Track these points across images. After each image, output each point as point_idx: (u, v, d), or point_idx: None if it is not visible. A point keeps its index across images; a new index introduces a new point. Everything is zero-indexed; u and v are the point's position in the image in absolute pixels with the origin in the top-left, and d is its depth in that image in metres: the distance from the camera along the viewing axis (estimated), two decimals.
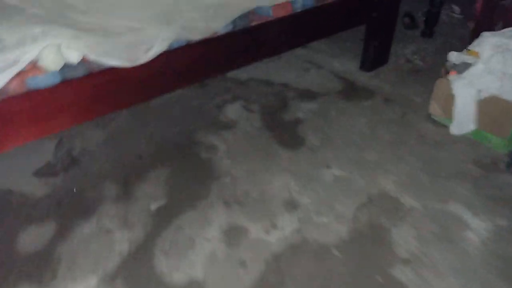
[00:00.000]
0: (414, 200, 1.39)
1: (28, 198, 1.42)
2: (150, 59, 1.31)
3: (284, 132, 1.75)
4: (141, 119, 1.80)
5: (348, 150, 1.64)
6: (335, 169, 1.54)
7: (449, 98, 1.65)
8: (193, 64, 1.46)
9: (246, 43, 1.57)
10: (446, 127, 1.72)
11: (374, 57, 2.13)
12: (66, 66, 1.18)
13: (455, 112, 1.64)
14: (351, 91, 2.03)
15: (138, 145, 1.67)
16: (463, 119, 1.63)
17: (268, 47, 1.66)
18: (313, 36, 1.84)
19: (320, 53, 2.39)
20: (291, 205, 1.38)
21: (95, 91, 1.27)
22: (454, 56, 1.73)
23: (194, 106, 1.92)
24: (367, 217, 1.34)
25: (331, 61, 2.31)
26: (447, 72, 1.70)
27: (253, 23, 1.55)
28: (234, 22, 1.49)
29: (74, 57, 1.18)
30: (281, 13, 1.61)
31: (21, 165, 1.53)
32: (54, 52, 1.15)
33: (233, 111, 1.90)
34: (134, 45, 1.31)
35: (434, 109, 1.76)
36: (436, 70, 2.15)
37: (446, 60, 1.75)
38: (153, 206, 1.38)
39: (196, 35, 1.43)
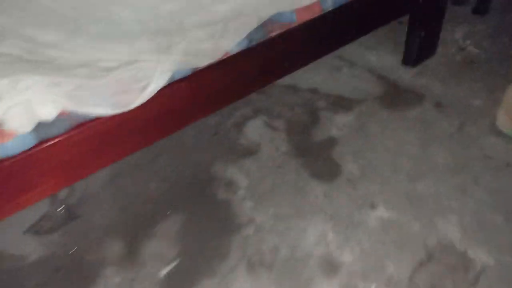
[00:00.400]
0: (487, 254, 1.10)
1: (21, 263, 1.23)
2: (147, 99, 1.06)
3: (316, 157, 1.47)
4: (150, 151, 1.56)
5: (396, 180, 1.34)
6: (381, 209, 1.26)
7: None
8: (201, 96, 1.19)
9: (266, 59, 1.28)
10: None
11: (420, 49, 1.77)
12: (41, 125, 0.94)
13: None
14: (393, 96, 1.70)
15: (147, 185, 1.44)
16: None
17: (294, 59, 1.36)
18: (348, 37, 1.51)
19: (351, 44, 2.04)
20: (330, 266, 1.13)
21: (81, 147, 1.03)
22: None
23: (209, 127, 1.66)
24: (428, 281, 1.06)
25: (366, 54, 1.97)
26: None
27: (273, 34, 1.25)
28: (249, 36, 1.19)
29: (48, 113, 0.94)
30: (307, 16, 1.29)
31: (11, 221, 1.34)
32: (23, 111, 0.91)
33: (254, 130, 1.63)
34: (126, 84, 1.06)
35: (503, 120, 1.42)
36: (497, 59, 1.78)
37: None
38: (163, 271, 1.16)
39: (203, 60, 1.15)
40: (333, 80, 1.84)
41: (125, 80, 1.05)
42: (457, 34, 2.01)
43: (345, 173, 1.39)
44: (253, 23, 1.21)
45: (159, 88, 1.07)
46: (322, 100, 1.73)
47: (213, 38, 1.16)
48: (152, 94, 1.06)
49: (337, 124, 1.60)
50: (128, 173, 1.49)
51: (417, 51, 1.77)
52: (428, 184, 1.31)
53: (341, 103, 1.70)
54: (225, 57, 1.17)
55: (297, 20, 1.26)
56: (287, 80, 1.83)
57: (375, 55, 1.96)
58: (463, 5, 2.22)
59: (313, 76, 1.87)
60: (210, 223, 1.28)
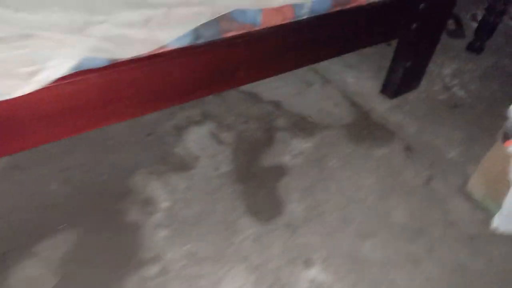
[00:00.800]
0: None
1: None
2: (38, 89, 0.80)
3: (259, 186, 1.25)
4: (64, 144, 1.28)
5: (342, 234, 1.13)
6: (316, 269, 1.04)
7: (501, 179, 1.12)
8: (117, 97, 0.93)
9: (215, 63, 1.03)
10: (487, 211, 1.20)
11: (402, 80, 1.56)
12: None
13: (507, 203, 1.12)
14: (362, 127, 1.49)
15: (47, 186, 1.18)
16: None
17: (251, 69, 1.12)
18: (324, 54, 1.28)
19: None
20: None
21: None
22: None
23: (144, 125, 1.40)
24: None
25: (343, 73, 1.75)
26: (507, 139, 1.15)
27: (229, 34, 1.00)
28: (196, 31, 0.95)
29: None
30: (276, 20, 1.05)
31: None
32: None
33: (197, 139, 1.38)
34: (10, 66, 0.79)
35: (477, 185, 1.23)
36: (482, 107, 1.60)
37: (506, 118, 1.19)
38: None
39: (127, 51, 0.89)
40: (300, 96, 1.61)
41: (9, 60, 0.79)
42: (446, 70, 1.82)
43: (286, 213, 1.17)
44: (204, 16, 0.95)
45: (55, 78, 0.81)
46: (283, 118, 1.50)
47: (147, 25, 0.91)
48: (44, 83, 0.81)
49: (293, 150, 1.37)
50: (29, 166, 1.22)
51: (399, 82, 1.56)
52: (377, 245, 1.11)
53: (303, 126, 1.47)
54: (159, 52, 0.92)
55: (262, 23, 1.01)
56: (249, 85, 1.59)
57: (353, 76, 1.74)
58: (459, 38, 2.04)
59: (280, 86, 1.63)
60: (107, 251, 1.04)
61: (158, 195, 1.19)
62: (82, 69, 0.84)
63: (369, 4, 1.16)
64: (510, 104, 1.12)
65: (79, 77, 0.85)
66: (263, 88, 1.61)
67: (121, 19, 0.87)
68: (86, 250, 1.04)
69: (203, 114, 1.48)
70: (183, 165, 1.29)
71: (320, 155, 1.36)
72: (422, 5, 1.27)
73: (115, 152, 1.31)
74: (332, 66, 1.76)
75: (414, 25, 1.34)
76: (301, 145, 1.39)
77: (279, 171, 1.30)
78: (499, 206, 1.14)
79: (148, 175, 1.24)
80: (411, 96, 1.65)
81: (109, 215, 1.12)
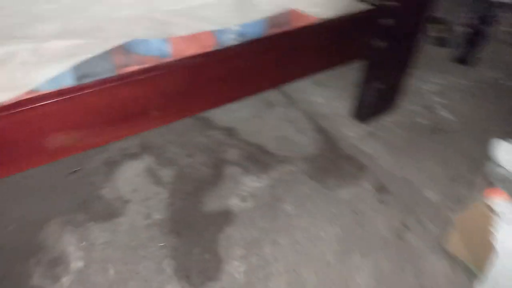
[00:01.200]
0: None
1: None
2: None
3: (196, 240, 1.04)
4: None
5: None
6: None
7: (482, 239, 0.91)
8: None
9: (113, 107, 0.81)
10: (466, 272, 0.99)
11: (375, 103, 1.35)
12: None
13: (492, 270, 0.91)
14: (329, 160, 1.28)
15: None
16: (504, 284, 0.90)
17: (165, 109, 0.90)
18: (264, 84, 1.07)
19: None
20: None
21: None
22: (503, 150, 0.97)
23: (69, 160, 1.19)
24: None
25: (312, 92, 1.53)
26: (487, 186, 0.94)
27: (126, 70, 0.79)
28: (78, 69, 0.73)
29: None
30: (191, 50, 0.84)
31: None
32: None
33: (130, 177, 1.17)
34: None
35: (454, 242, 1.02)
36: (471, 133, 1.39)
37: (486, 160, 0.97)
38: None
39: None
40: (259, 120, 1.40)
41: None
42: (428, 86, 1.60)
43: (224, 277, 0.96)
44: (87, 50, 0.74)
45: None
46: (235, 149, 1.29)
47: (7, 65, 0.69)
48: None
49: (242, 191, 1.16)
50: None
51: (371, 105, 1.35)
52: None
53: (258, 159, 1.26)
54: (28, 97, 0.71)
55: (172, 54, 0.80)
56: None
57: (322, 95, 1.52)
58: (445, 47, 1.81)
59: (236, 108, 1.42)
60: None
61: (71, 253, 0.98)
62: None
63: (321, 24, 0.95)
64: (504, 129, 0.90)
65: None
66: (216, 111, 1.39)
67: None
68: None
69: (141, 145, 1.27)
70: (108, 213, 1.08)
71: (274, 197, 1.15)
72: (388, 21, 1.05)
73: (27, 196, 1.10)
74: (298, 83, 1.54)
75: (382, 44, 1.12)
76: (253, 184, 1.18)
77: (223, 219, 1.09)
78: (481, 270, 0.93)
79: (62, 226, 1.04)
80: (387, 119, 1.44)
81: (10, 279, 0.91)
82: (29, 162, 0.82)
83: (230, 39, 0.85)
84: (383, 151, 1.32)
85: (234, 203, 1.13)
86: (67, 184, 1.15)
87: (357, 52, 1.18)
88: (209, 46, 0.83)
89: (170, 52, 0.79)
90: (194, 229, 1.06)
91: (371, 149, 1.32)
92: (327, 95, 1.52)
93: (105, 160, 1.22)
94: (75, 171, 1.18)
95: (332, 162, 1.27)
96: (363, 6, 1.08)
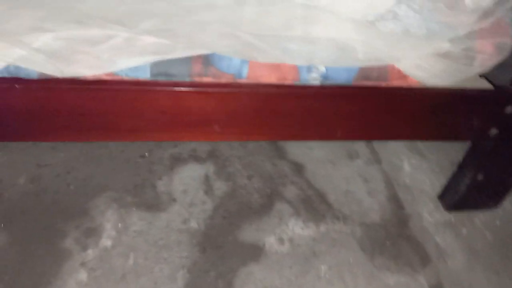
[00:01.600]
0: None
1: None
2: None
3: (215, 265, 1.01)
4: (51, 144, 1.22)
5: None
6: None
7: None
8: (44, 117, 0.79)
9: (180, 107, 0.83)
10: None
11: (468, 193, 1.16)
12: None
13: None
14: (389, 235, 1.13)
15: (12, 181, 1.11)
16: None
17: (226, 127, 0.89)
18: (339, 133, 0.99)
19: None
20: None
21: None
22: None
23: (145, 145, 1.27)
24: None
25: (401, 155, 1.39)
26: None
27: (200, 79, 0.80)
28: (155, 67, 0.77)
29: None
30: (267, 78, 0.83)
31: None
32: None
33: (185, 180, 1.20)
34: None
35: None
36: None
37: None
38: None
39: (72, 68, 0.75)
40: (332, 167, 1.31)
41: None
42: None
43: None
44: (169, 52, 0.77)
45: None
46: (295, 187, 1.22)
47: (99, 46, 0.75)
48: None
49: (284, 232, 1.10)
50: (6, 153, 1.18)
51: (463, 195, 1.16)
52: None
53: (314, 205, 1.18)
54: (106, 78, 0.76)
55: (247, 76, 0.79)
56: None
57: (412, 164, 1.37)
58: None
59: (315, 147, 1.36)
60: (20, 269, 0.92)
61: (106, 229, 1.04)
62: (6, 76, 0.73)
63: (425, 91, 0.84)
64: None
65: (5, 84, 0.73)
66: (292, 142, 1.35)
67: (70, 32, 0.73)
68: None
69: (209, 152, 1.29)
70: (153, 204, 1.12)
71: (313, 252, 1.06)
72: (509, 108, 0.89)
73: (98, 164, 1.20)
74: (391, 142, 1.41)
75: (494, 131, 0.95)
76: (297, 229, 1.11)
77: (252, 253, 1.04)
78: None
79: (110, 201, 1.10)
80: (480, 216, 1.22)
81: (49, 232, 1.01)
82: (106, 136, 0.88)
83: (313, 78, 0.80)
84: (458, 249, 1.12)
85: (270, 241, 1.07)
86: (132, 165, 1.22)
87: (461, 131, 1.03)
88: (289, 79, 0.80)
89: (246, 74, 0.78)
90: (220, 251, 1.03)
91: (445, 242, 1.13)
92: (418, 165, 1.35)
93: (173, 155, 1.27)
94: (143, 156, 1.25)
95: (393, 240, 1.12)
96: (480, 84, 0.93)
